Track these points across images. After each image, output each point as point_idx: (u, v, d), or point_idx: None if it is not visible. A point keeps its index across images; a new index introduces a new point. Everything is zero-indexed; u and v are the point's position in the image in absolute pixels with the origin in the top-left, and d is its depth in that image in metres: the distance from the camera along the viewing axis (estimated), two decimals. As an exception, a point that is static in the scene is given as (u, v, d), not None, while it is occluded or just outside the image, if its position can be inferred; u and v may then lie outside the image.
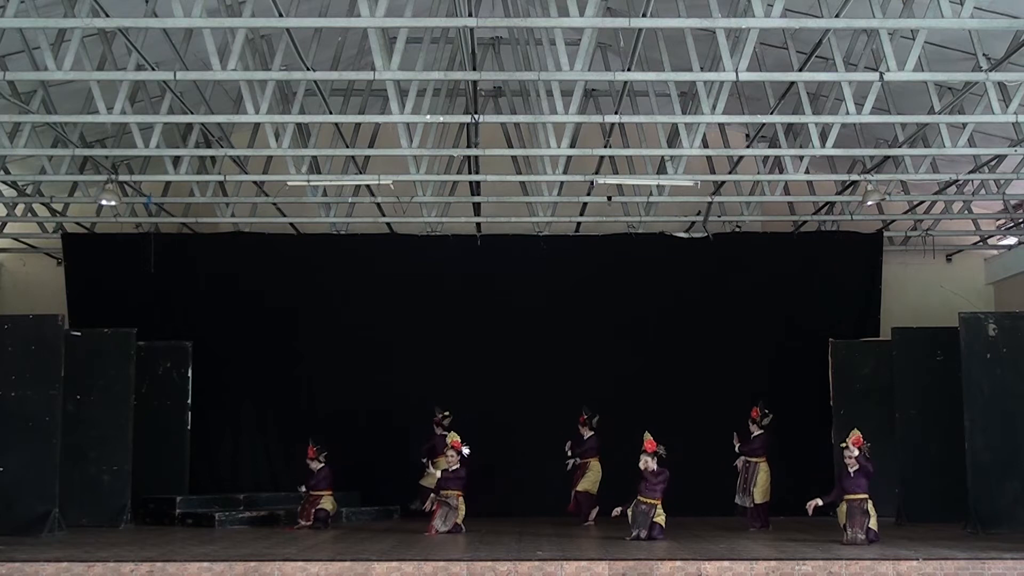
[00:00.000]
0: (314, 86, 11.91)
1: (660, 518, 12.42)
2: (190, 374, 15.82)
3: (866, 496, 12.02)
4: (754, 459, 14.10)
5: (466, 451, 13.59)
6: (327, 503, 14.00)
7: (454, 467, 13.50)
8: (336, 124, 13.38)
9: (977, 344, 13.50)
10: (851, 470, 12.18)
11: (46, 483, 12.90)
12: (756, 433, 14.12)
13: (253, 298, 16.73)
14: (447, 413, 15.00)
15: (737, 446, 14.11)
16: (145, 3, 10.64)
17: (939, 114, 12.13)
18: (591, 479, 14.50)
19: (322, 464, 14.05)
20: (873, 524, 11.83)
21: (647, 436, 12.73)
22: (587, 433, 14.63)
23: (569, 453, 14.54)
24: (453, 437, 13.72)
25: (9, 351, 13.32)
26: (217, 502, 14.85)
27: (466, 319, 16.62)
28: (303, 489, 14.04)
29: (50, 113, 12.45)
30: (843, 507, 12.18)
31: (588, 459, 14.54)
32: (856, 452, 12.19)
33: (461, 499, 13.46)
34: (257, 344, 16.68)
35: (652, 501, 12.50)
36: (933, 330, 15.04)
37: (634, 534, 12.24)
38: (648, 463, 12.58)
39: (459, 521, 13.31)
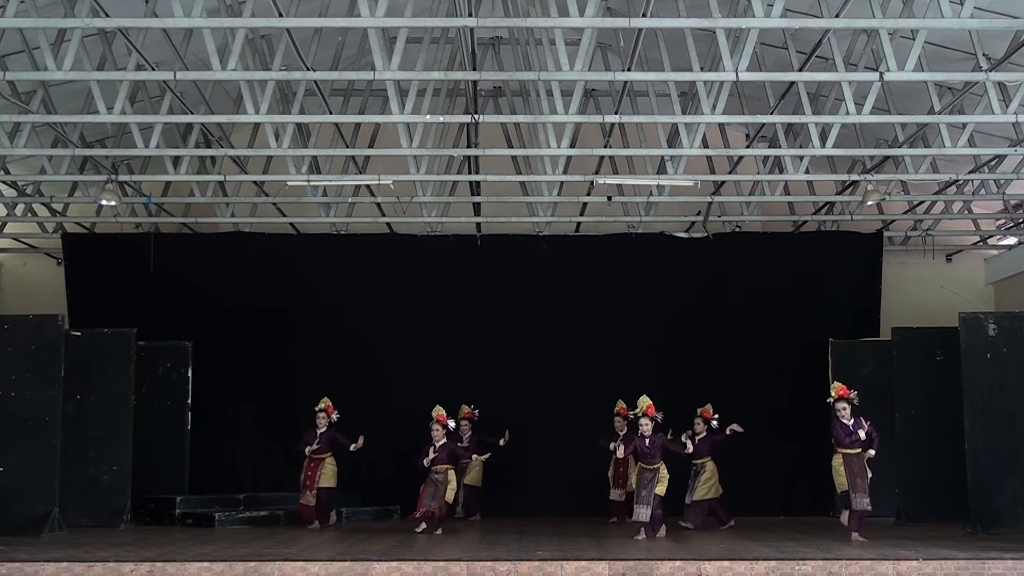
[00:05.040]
0: (314, 86, 11.91)
1: (662, 484, 12.56)
2: (190, 374, 15.81)
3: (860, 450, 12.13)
4: (703, 459, 14.00)
5: (452, 424, 13.66)
6: (328, 470, 14.09)
7: (440, 442, 13.40)
8: (336, 124, 13.39)
9: (977, 344, 13.50)
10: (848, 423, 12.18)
11: (46, 483, 12.92)
12: (703, 435, 14.03)
13: (253, 298, 16.72)
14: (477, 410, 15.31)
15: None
16: (145, 3, 10.64)
17: (939, 114, 12.14)
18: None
19: (325, 428, 14.13)
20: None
21: (646, 400, 12.89)
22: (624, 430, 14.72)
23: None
24: (439, 411, 13.62)
25: (9, 351, 13.32)
26: (217, 502, 14.84)
27: (466, 319, 16.63)
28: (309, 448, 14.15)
29: (50, 113, 12.46)
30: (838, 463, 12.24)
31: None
32: (846, 405, 12.22)
33: (452, 472, 13.51)
34: (257, 344, 16.68)
35: (653, 466, 12.68)
36: (933, 330, 15.04)
37: (638, 513, 12.52)
38: (646, 427, 12.74)
39: (448, 499, 13.34)
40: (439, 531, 13.04)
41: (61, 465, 13.11)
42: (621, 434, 14.62)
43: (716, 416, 13.93)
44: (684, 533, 12.94)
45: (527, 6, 12.98)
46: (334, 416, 14.25)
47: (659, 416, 12.87)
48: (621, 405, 14.75)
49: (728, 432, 13.81)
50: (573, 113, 11.85)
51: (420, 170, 13.69)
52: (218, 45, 10.60)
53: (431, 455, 13.37)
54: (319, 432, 14.17)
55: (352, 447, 13.99)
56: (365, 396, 16.28)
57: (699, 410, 14.05)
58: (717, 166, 15.73)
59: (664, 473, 12.71)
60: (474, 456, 14.70)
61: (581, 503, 15.49)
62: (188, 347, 15.87)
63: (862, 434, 12.03)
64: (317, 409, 14.27)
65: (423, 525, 13.15)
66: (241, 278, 16.80)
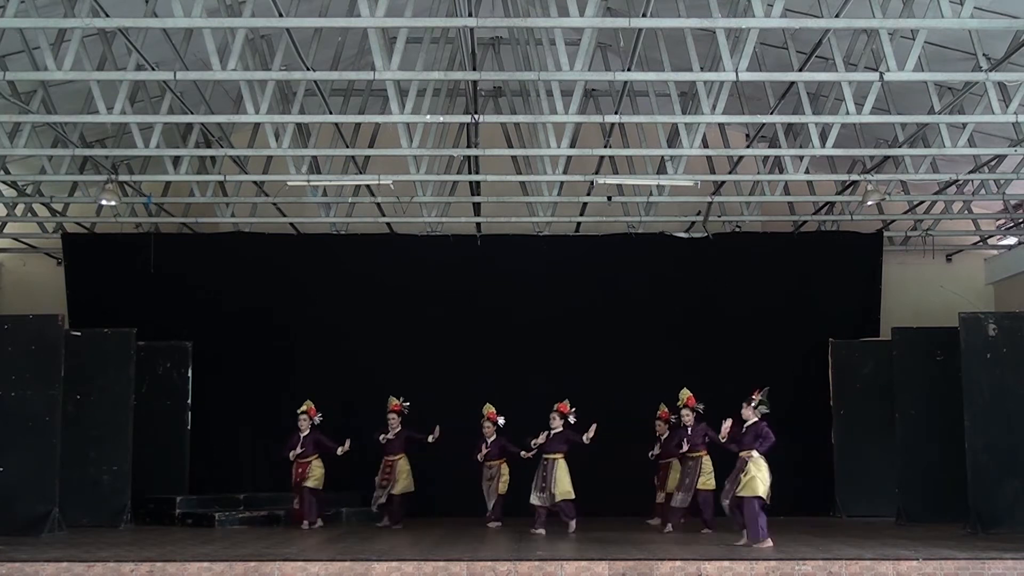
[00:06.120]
0: (314, 86, 11.91)
1: (705, 476, 13.08)
2: (190, 374, 15.83)
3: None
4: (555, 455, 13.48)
5: (501, 421, 14.01)
6: (316, 472, 14.06)
7: (491, 438, 13.98)
8: (336, 124, 13.39)
9: (977, 344, 13.49)
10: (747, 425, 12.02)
11: (46, 483, 12.91)
12: (559, 430, 13.54)
13: (253, 298, 16.72)
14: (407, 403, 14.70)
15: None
16: (145, 3, 10.64)
17: (939, 114, 12.14)
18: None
19: (308, 431, 14.12)
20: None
21: (687, 392, 13.36)
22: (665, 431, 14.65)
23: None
24: (489, 408, 14.08)
25: (9, 351, 13.30)
26: (217, 502, 14.85)
27: (466, 319, 16.62)
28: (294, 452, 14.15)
29: (50, 113, 12.46)
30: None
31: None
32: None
33: (504, 466, 14.06)
34: (257, 344, 16.67)
35: (696, 455, 13.11)
36: (933, 330, 15.03)
37: (680, 500, 12.98)
38: (688, 418, 13.25)
39: (500, 492, 13.89)
40: (499, 523, 13.78)
41: (61, 465, 13.10)
42: (662, 438, 14.61)
43: (574, 409, 13.57)
44: (684, 533, 12.90)
45: (527, 6, 12.98)
46: (316, 418, 14.25)
47: (700, 407, 13.29)
48: (663, 409, 14.72)
49: (585, 439, 13.28)
50: (573, 113, 11.85)
51: (420, 170, 13.69)
52: (218, 45, 10.60)
53: (483, 451, 14.00)
54: (302, 435, 14.17)
55: (339, 451, 14.08)
56: (365, 396, 16.24)
57: (556, 405, 13.64)
58: (717, 166, 15.73)
59: (708, 466, 13.24)
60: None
61: (581, 503, 15.44)
62: (188, 347, 15.88)
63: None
64: (299, 411, 14.28)
65: (496, 523, 13.85)
66: (241, 278, 16.79)
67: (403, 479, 14.31)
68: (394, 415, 14.54)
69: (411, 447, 14.42)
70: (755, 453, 11.65)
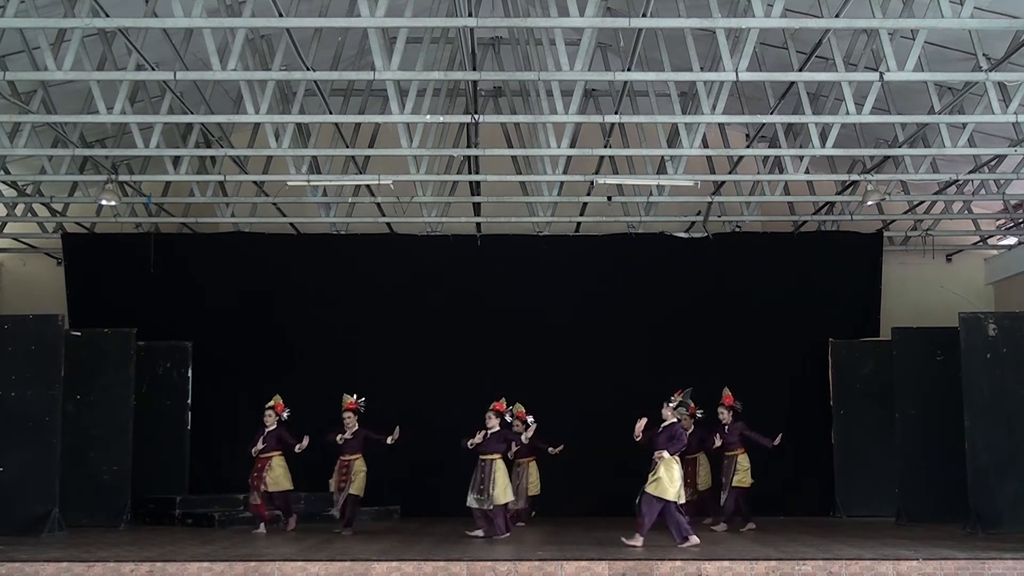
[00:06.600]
0: (314, 86, 11.92)
1: (742, 474, 13.40)
2: (190, 374, 15.85)
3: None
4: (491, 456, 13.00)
5: (531, 420, 13.32)
6: (277, 471, 13.54)
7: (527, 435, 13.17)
8: (336, 124, 13.39)
9: (977, 344, 13.49)
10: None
11: (46, 483, 12.90)
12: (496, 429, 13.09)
13: (253, 298, 16.73)
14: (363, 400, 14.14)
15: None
16: (145, 3, 10.64)
17: (939, 114, 12.14)
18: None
19: (274, 426, 13.66)
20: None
21: (726, 391, 13.67)
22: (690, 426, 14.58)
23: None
24: (519, 408, 13.62)
25: (9, 351, 13.31)
26: (217, 502, 14.85)
27: (466, 319, 16.63)
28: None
29: (50, 113, 12.46)
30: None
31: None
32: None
33: (533, 464, 13.99)
34: (257, 344, 16.67)
35: (732, 453, 13.37)
36: (933, 330, 15.03)
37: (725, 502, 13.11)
38: (724, 416, 13.49)
39: (530, 493, 13.79)
40: (521, 523, 13.66)
41: (61, 465, 13.10)
42: (687, 432, 14.59)
43: (510, 408, 13.34)
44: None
45: (527, 6, 12.98)
46: (284, 415, 13.82)
47: (738, 404, 13.59)
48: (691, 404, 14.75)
49: (523, 439, 12.98)
50: (573, 113, 11.85)
51: (420, 170, 13.69)
52: (218, 45, 10.60)
53: (513, 448, 13.35)
54: (267, 431, 13.70)
55: (297, 448, 13.48)
56: (364, 395, 16.25)
57: (492, 404, 13.13)
58: (717, 166, 15.73)
59: (744, 463, 13.47)
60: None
61: (580, 502, 15.48)
62: (188, 347, 15.89)
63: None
64: (266, 407, 13.86)
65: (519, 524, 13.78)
66: (241, 278, 16.79)
67: (359, 480, 13.52)
68: (350, 413, 13.80)
69: (369, 448, 13.71)
70: (666, 454, 11.55)
